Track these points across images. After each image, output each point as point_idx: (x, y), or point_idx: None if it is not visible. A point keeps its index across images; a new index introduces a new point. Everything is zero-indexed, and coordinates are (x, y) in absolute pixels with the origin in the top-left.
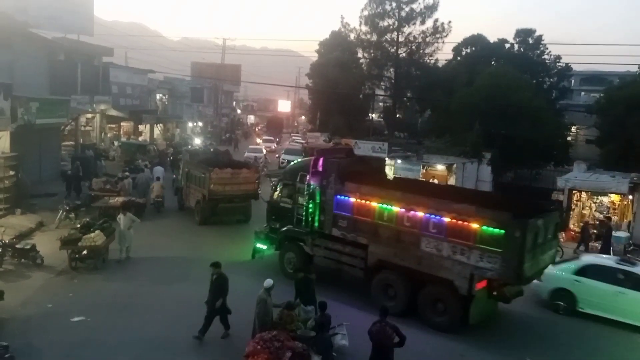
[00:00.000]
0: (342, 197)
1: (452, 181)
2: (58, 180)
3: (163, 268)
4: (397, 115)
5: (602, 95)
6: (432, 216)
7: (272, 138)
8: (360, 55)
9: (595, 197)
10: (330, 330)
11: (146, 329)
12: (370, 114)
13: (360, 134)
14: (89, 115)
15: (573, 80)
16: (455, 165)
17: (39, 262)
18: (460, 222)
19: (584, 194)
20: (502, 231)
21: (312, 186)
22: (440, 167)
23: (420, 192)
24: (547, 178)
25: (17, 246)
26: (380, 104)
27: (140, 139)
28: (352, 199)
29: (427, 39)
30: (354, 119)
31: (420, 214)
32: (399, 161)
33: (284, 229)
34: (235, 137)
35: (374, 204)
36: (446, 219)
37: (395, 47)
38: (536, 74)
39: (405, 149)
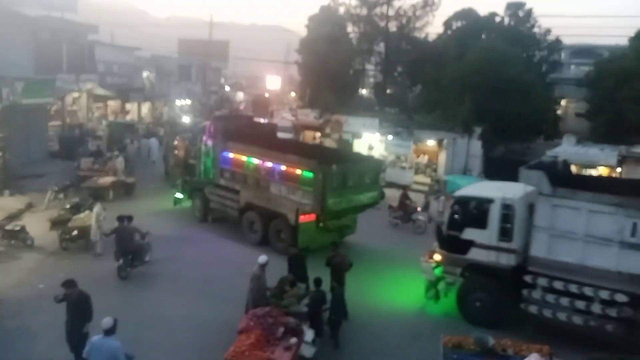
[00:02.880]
0: (226, 153)
1: (442, 156)
2: (46, 160)
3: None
4: (388, 91)
5: (592, 68)
6: (276, 165)
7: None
8: (350, 30)
9: (585, 170)
10: (324, 305)
11: (139, 307)
12: (360, 90)
13: (351, 110)
14: (76, 95)
15: (563, 54)
16: (445, 141)
17: (29, 243)
18: (290, 169)
19: (573, 167)
20: (312, 174)
21: (207, 145)
22: (431, 143)
23: (273, 148)
24: (537, 152)
25: (7, 228)
26: (371, 79)
27: (127, 117)
28: (231, 155)
29: (417, 13)
30: (345, 94)
31: (269, 164)
32: (390, 137)
33: (191, 180)
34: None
35: (244, 158)
36: (283, 167)
37: (385, 21)
38: (526, 48)
39: (396, 124)
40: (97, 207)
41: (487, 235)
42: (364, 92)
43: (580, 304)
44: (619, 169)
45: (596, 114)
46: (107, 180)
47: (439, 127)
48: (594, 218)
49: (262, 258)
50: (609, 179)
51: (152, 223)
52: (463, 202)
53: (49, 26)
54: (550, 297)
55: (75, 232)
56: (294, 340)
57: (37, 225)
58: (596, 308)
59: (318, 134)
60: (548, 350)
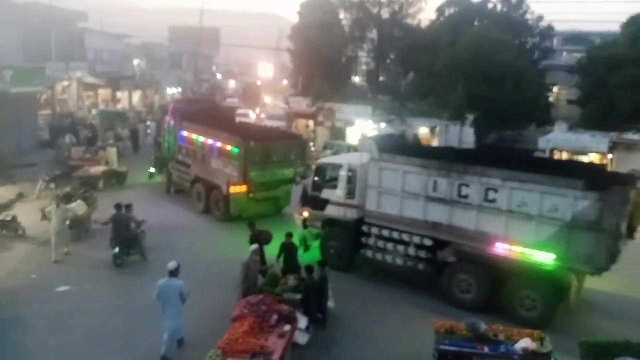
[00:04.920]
0: (182, 132)
1: (435, 144)
2: (37, 150)
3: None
4: (380, 78)
5: (583, 55)
6: (214, 142)
7: (248, 112)
8: (342, 16)
9: (576, 156)
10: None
11: (131, 297)
12: (353, 77)
13: (344, 98)
14: (65, 83)
15: (555, 40)
16: (438, 128)
17: (21, 233)
18: (223, 145)
19: (565, 154)
20: (237, 149)
21: (169, 125)
22: (424, 130)
23: (215, 127)
24: (529, 139)
25: None
26: (364, 66)
27: (118, 106)
28: (186, 134)
29: None
30: (337, 82)
31: (210, 141)
32: (383, 124)
33: (160, 156)
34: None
35: (194, 136)
36: (218, 144)
37: (377, 8)
38: (519, 34)
39: (389, 112)
40: (56, 209)
41: (338, 194)
42: (356, 79)
43: (401, 248)
44: (610, 155)
45: (588, 101)
46: (98, 169)
47: (432, 115)
48: (407, 177)
49: (253, 247)
50: (424, 146)
51: (144, 211)
52: (322, 168)
53: (38, 13)
54: (380, 243)
55: (67, 222)
56: (287, 327)
57: (28, 215)
58: (411, 251)
59: (311, 122)
60: (539, 334)
